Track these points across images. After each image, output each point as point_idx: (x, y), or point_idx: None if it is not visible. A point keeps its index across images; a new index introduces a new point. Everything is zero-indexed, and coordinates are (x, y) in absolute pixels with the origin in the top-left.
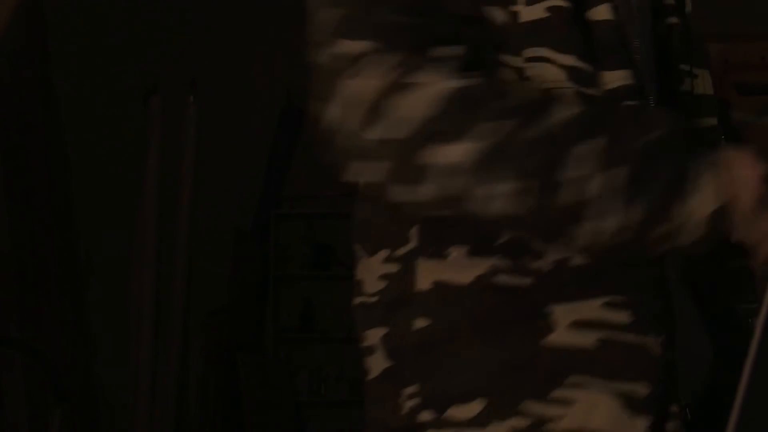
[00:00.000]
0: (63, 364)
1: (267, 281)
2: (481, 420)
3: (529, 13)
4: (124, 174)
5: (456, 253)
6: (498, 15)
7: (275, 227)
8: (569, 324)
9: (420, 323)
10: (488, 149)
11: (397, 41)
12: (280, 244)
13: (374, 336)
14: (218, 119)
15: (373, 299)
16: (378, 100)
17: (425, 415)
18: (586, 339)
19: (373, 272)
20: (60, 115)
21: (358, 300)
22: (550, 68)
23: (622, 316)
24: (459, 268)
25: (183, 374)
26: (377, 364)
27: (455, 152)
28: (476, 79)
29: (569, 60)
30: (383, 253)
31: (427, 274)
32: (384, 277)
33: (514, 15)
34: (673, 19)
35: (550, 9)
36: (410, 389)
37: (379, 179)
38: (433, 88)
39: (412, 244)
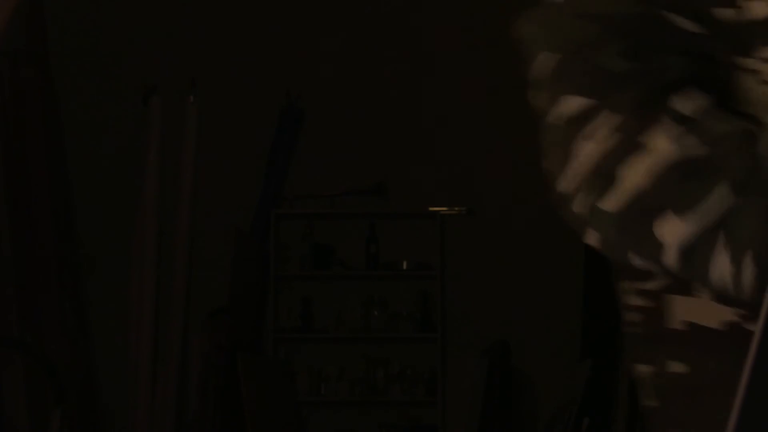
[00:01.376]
0: (63, 364)
1: (267, 281)
2: None
3: (761, 7)
4: (124, 174)
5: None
6: (726, 14)
7: (275, 227)
8: None
9: (677, 367)
10: (724, 220)
11: (619, 94)
12: (280, 244)
13: (640, 370)
14: (218, 119)
15: (635, 329)
16: (604, 168)
17: None
18: None
19: (628, 299)
20: (60, 115)
21: (624, 323)
22: None
23: None
24: (708, 310)
25: (183, 374)
26: (646, 397)
27: (688, 227)
28: (702, 136)
29: None
30: (633, 284)
31: (677, 312)
32: (639, 309)
33: (743, 11)
34: None
35: None
36: None
37: (614, 248)
38: (658, 154)
39: (660, 280)
